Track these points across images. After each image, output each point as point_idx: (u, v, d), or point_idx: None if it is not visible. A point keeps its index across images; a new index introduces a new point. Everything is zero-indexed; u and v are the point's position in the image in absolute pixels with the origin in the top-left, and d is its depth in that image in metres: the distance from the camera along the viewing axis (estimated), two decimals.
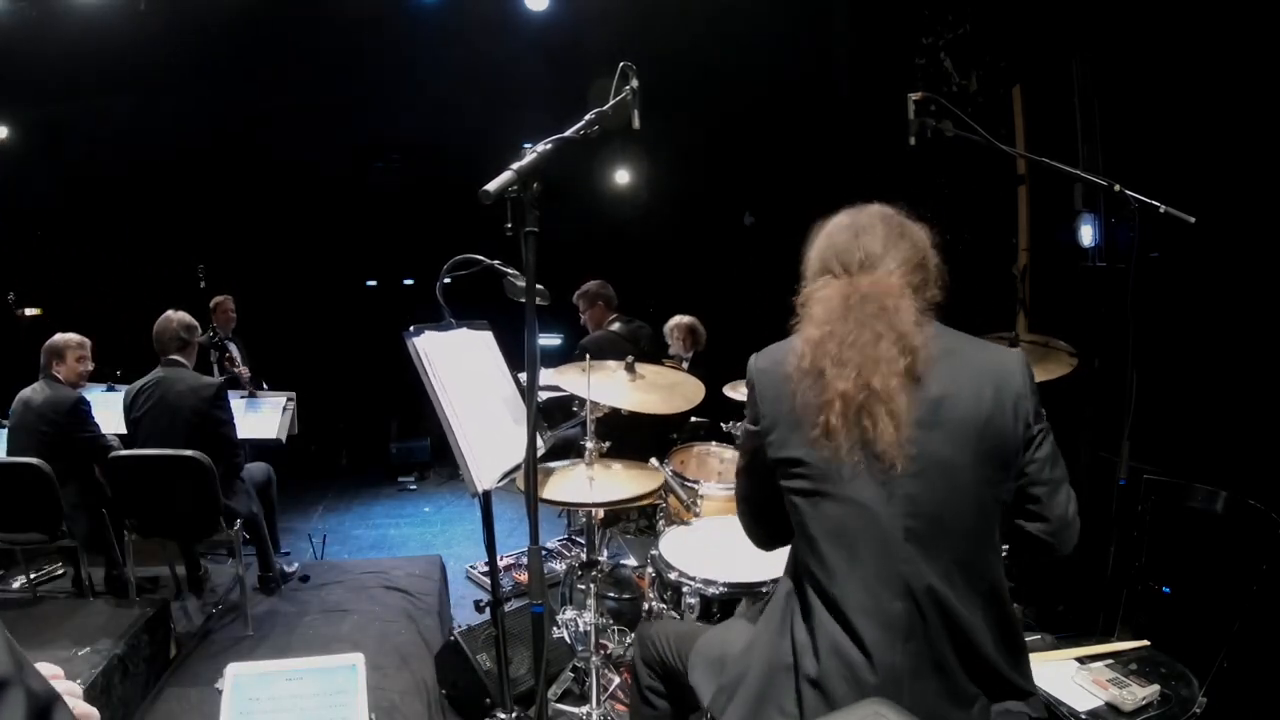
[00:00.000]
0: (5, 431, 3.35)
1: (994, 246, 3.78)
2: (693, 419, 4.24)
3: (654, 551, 2.20)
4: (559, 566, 3.63)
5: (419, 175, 6.56)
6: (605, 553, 3.09)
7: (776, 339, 1.45)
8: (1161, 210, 2.07)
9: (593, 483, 2.26)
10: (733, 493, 1.59)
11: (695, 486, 2.64)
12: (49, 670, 0.84)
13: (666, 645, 1.65)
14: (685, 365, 4.49)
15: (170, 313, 3.41)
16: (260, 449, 4.10)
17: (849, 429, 1.25)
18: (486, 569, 2.71)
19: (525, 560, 3.91)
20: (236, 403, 3.67)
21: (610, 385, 2.54)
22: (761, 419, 1.38)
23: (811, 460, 1.29)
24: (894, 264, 1.34)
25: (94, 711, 0.85)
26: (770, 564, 1.97)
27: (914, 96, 2.32)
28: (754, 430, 1.41)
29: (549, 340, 6.10)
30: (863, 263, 1.35)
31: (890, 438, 1.22)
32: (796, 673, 1.28)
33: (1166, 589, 2.38)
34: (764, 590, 1.92)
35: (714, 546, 2.19)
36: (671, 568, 2.07)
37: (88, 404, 3.31)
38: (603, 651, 2.45)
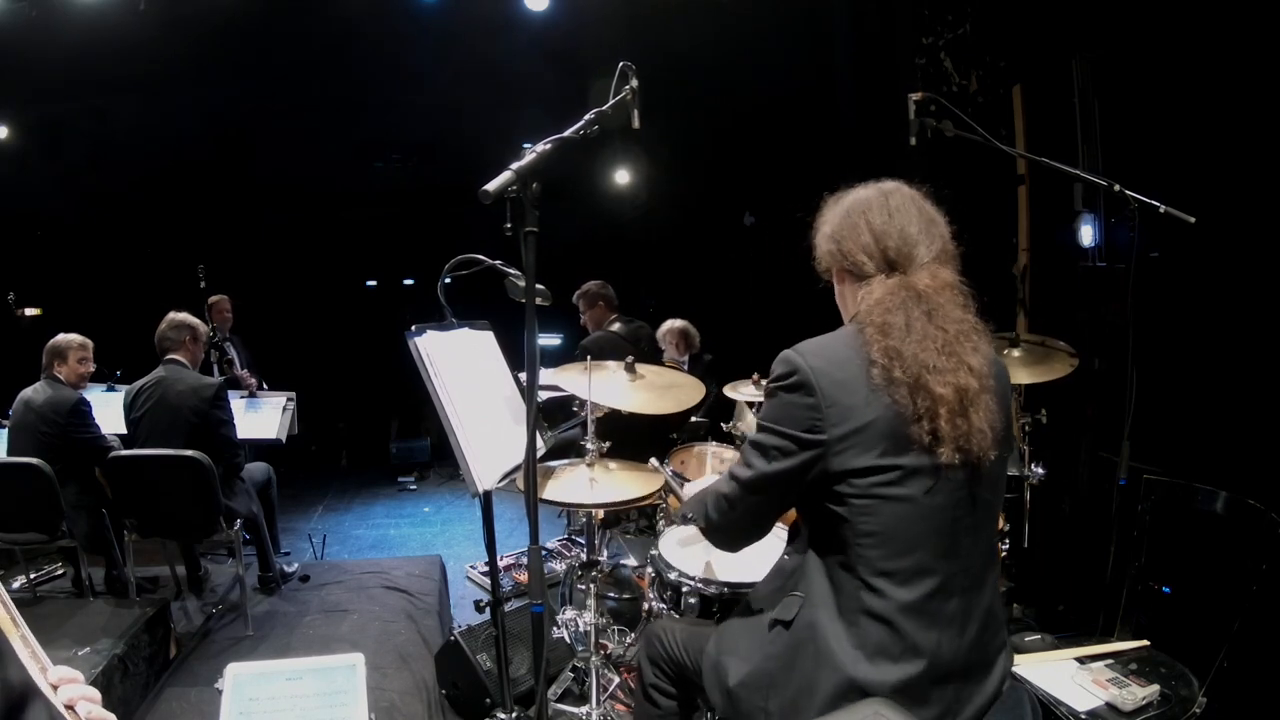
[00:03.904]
0: (5, 431, 3.35)
1: (994, 246, 3.78)
2: (693, 419, 4.24)
3: (654, 551, 2.19)
4: (559, 566, 3.63)
5: (419, 175, 6.56)
6: (605, 553, 3.08)
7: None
8: (1161, 210, 2.08)
9: (593, 483, 2.26)
10: None
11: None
12: (66, 674, 0.84)
13: (675, 643, 1.64)
14: (684, 368, 4.49)
15: (173, 313, 3.42)
16: (260, 449, 4.10)
17: (954, 429, 1.23)
18: (486, 569, 2.71)
19: (525, 560, 3.91)
20: (236, 403, 3.67)
21: (610, 386, 2.53)
22: (830, 428, 1.24)
23: (898, 464, 1.23)
24: (928, 255, 1.32)
25: (110, 716, 0.84)
26: (770, 564, 1.98)
27: (914, 96, 2.33)
28: (812, 440, 1.26)
29: (549, 340, 6.10)
30: (900, 250, 1.32)
31: (985, 438, 1.24)
32: (858, 685, 1.24)
33: (1166, 589, 2.38)
34: None
35: (714, 546, 2.19)
36: (671, 568, 2.07)
37: (88, 404, 3.30)
38: (603, 651, 2.45)
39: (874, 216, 1.34)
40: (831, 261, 1.40)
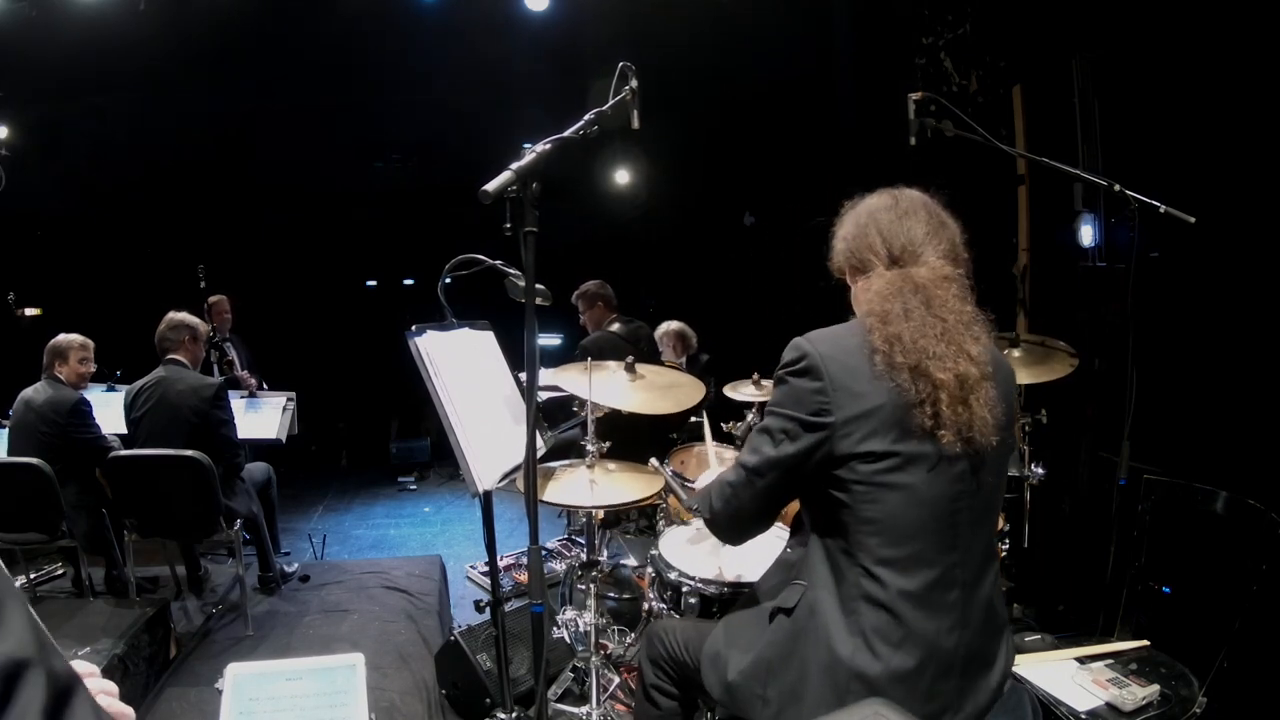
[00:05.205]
0: (5, 431, 3.35)
1: (994, 246, 3.77)
2: (693, 419, 4.24)
3: (654, 551, 2.19)
4: (559, 566, 3.63)
5: (419, 175, 6.57)
6: (605, 553, 3.08)
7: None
8: (1161, 210, 2.08)
9: (593, 484, 2.26)
10: None
11: (695, 487, 2.64)
12: (84, 668, 0.83)
13: (676, 643, 1.64)
14: (682, 370, 4.49)
15: (172, 313, 3.42)
16: (260, 449, 4.10)
17: (955, 415, 1.24)
18: (486, 569, 2.71)
19: (525, 560, 3.91)
20: (236, 403, 3.67)
21: (610, 386, 2.53)
22: (837, 411, 1.26)
23: (901, 451, 1.25)
24: (934, 255, 1.36)
25: (129, 710, 0.84)
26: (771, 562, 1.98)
27: (914, 96, 2.33)
28: (818, 423, 1.27)
29: (549, 340, 6.10)
30: (905, 249, 1.36)
31: (986, 424, 1.26)
32: (856, 672, 1.25)
33: (1166, 589, 2.38)
34: None
35: (714, 546, 2.19)
36: (671, 568, 2.07)
37: (88, 404, 3.31)
38: (603, 651, 2.45)
39: (882, 217, 1.39)
40: (843, 261, 1.45)
